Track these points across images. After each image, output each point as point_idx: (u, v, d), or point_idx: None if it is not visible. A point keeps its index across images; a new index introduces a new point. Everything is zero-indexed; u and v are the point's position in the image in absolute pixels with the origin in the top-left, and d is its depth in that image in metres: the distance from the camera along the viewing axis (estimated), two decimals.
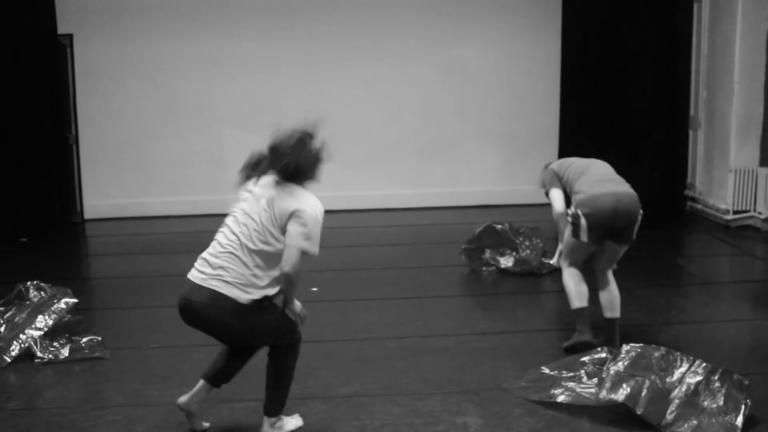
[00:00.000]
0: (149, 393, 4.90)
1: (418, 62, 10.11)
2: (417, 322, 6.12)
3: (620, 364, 4.56)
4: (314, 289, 6.92)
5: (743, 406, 4.35)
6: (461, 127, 10.13)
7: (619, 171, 9.18)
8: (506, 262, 7.40)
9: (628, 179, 9.11)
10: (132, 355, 5.54)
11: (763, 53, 8.83)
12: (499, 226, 7.51)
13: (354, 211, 10.02)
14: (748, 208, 8.88)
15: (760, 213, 8.77)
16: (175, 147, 10.05)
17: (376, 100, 10.14)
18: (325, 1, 9.97)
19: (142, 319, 6.33)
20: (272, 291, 4.16)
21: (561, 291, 7.00)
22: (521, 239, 7.45)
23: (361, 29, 10.02)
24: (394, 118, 10.17)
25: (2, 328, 5.49)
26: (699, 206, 9.67)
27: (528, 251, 7.39)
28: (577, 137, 9.85)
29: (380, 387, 4.94)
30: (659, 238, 8.75)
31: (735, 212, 8.97)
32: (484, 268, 7.45)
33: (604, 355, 4.85)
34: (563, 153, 10.10)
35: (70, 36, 9.75)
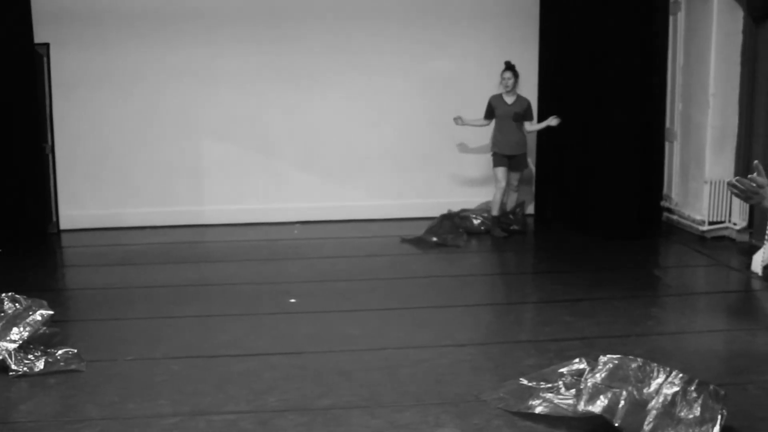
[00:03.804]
0: (126, 406, 4.86)
1: (397, 74, 10.13)
2: (396, 333, 6.11)
3: (598, 375, 4.57)
4: (292, 300, 6.92)
5: (720, 417, 4.37)
6: (440, 139, 10.15)
7: (597, 181, 9.38)
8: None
9: (605, 190, 9.28)
10: (108, 367, 5.48)
11: (737, 66, 8.92)
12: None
13: (333, 221, 10.02)
14: (723, 219, 8.95)
15: (734, 224, 8.84)
16: (153, 158, 10.00)
17: (356, 112, 10.16)
18: (305, 13, 9.97)
19: (118, 331, 6.28)
20: None
21: (539, 302, 7.10)
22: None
23: (341, 42, 10.03)
24: (373, 130, 10.19)
25: None
26: (675, 217, 9.74)
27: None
28: (554, 149, 9.93)
29: (358, 399, 4.93)
30: (636, 248, 8.81)
31: (710, 223, 9.03)
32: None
33: (582, 366, 4.87)
34: (541, 165, 10.20)
35: (47, 45, 9.69)
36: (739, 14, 8.84)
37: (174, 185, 10.04)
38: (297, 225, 9.80)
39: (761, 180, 2.89)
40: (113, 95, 9.90)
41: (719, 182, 8.88)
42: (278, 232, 9.58)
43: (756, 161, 3.13)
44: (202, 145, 10.06)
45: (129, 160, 10.02)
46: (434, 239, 8.93)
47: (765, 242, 7.57)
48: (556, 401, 4.59)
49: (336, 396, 4.97)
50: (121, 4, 9.78)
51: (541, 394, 4.71)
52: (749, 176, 2.90)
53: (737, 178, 2.92)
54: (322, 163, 10.19)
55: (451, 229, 9.16)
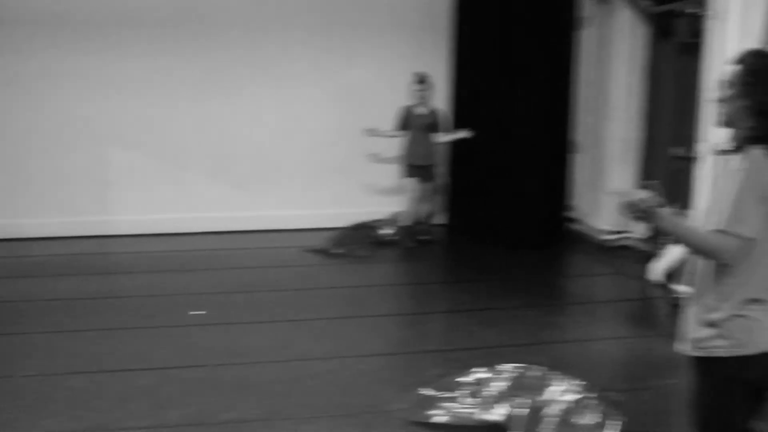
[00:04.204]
0: (21, 424, 4.72)
1: (309, 84, 10.10)
2: (300, 345, 6.07)
3: (499, 384, 4.65)
4: (198, 312, 6.82)
5: (617, 423, 4.48)
6: (351, 149, 10.14)
7: (506, 192, 9.52)
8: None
9: (513, 201, 9.43)
10: (3, 384, 5.32)
11: (641, 81, 9.17)
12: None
13: (243, 232, 9.90)
14: (625, 229, 9.17)
15: (636, 233, 9.07)
16: (54, 165, 9.71)
17: (267, 121, 10.08)
18: (216, 20, 9.86)
19: (15, 346, 6.08)
20: None
21: (445, 312, 7.16)
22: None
23: (253, 50, 9.94)
24: (285, 140, 10.13)
25: None
26: (580, 227, 9.95)
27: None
28: (465, 160, 10.03)
29: (261, 412, 4.89)
30: (542, 258, 8.96)
31: (613, 233, 9.26)
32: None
33: (484, 375, 4.94)
34: (451, 175, 10.29)
35: None
36: (643, 30, 9.10)
37: (79, 194, 9.77)
38: (207, 236, 9.68)
39: (653, 199, 2.95)
40: (10, 100, 9.56)
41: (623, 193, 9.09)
42: (186, 242, 9.43)
43: (648, 181, 3.19)
44: (108, 153, 9.82)
45: (30, 167, 9.70)
46: (339, 250, 8.93)
47: (663, 252, 7.79)
48: (457, 410, 4.65)
49: (238, 409, 4.92)
50: (29, 7, 9.50)
51: (443, 403, 4.75)
52: (641, 196, 2.96)
53: (630, 198, 2.98)
54: (232, 172, 10.08)
55: (358, 239, 9.17)
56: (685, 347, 3.19)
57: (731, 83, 3.06)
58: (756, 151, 2.96)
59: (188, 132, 9.94)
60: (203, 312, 6.79)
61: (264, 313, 6.89)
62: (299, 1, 10.02)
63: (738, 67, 3.05)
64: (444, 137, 9.51)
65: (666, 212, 2.98)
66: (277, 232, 9.98)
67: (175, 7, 9.77)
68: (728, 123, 3.10)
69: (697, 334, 3.12)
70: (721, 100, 3.10)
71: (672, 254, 7.23)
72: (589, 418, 4.49)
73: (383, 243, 9.39)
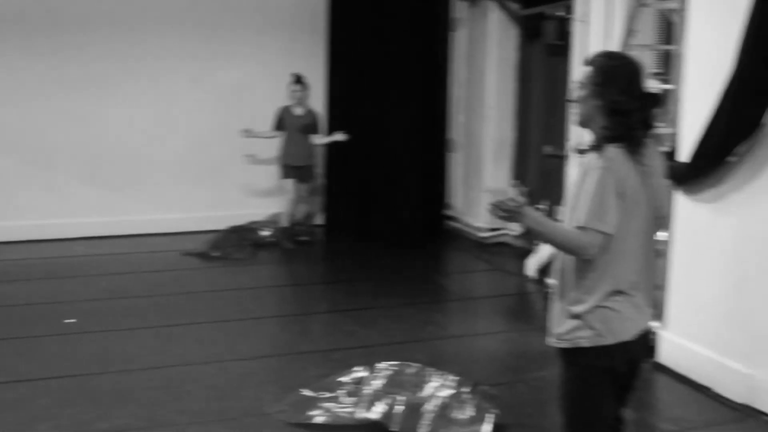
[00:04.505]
0: None
1: (184, 84, 9.92)
2: (177, 350, 5.96)
3: (376, 382, 4.69)
4: (70, 320, 6.61)
5: (491, 416, 4.58)
6: (228, 150, 10.02)
7: (384, 192, 9.61)
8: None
9: (391, 200, 9.54)
10: None
11: (512, 81, 9.42)
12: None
13: (117, 237, 9.64)
14: (501, 226, 9.37)
15: (512, 230, 9.27)
16: None
17: (140, 122, 9.83)
18: (88, 20, 9.54)
19: None
20: None
21: (325, 312, 7.18)
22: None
23: (125, 49, 9.67)
24: (159, 141, 9.91)
25: None
26: (458, 225, 10.13)
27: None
28: (343, 160, 10.07)
29: (138, 420, 4.79)
30: (419, 256, 9.08)
31: (489, 230, 9.46)
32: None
33: (362, 374, 4.97)
34: (329, 176, 10.30)
35: None
36: (514, 32, 9.33)
37: None
38: (80, 241, 9.38)
39: (520, 200, 3.04)
40: None
41: (498, 191, 9.31)
42: (59, 249, 9.12)
43: (514, 181, 3.29)
44: None
45: None
46: (217, 253, 8.83)
47: (537, 247, 8.02)
48: (336, 410, 4.66)
49: (113, 418, 4.81)
50: None
51: (321, 403, 4.77)
52: (508, 197, 3.04)
53: (498, 199, 3.06)
54: (105, 175, 9.80)
55: (236, 241, 9.08)
56: (552, 340, 3.30)
57: (583, 84, 3.19)
58: (612, 149, 3.09)
59: (59, 134, 9.60)
60: (72, 321, 6.59)
61: (141, 318, 6.74)
62: (174, 1, 9.83)
63: (589, 69, 3.18)
64: (321, 139, 9.52)
65: (531, 211, 3.08)
66: (153, 236, 9.76)
67: (45, 4, 9.42)
68: (583, 123, 3.24)
69: (563, 326, 3.24)
70: (576, 101, 3.23)
71: (545, 250, 7.46)
72: (464, 412, 4.58)
73: (262, 245, 9.33)
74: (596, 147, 3.14)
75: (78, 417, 4.83)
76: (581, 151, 3.24)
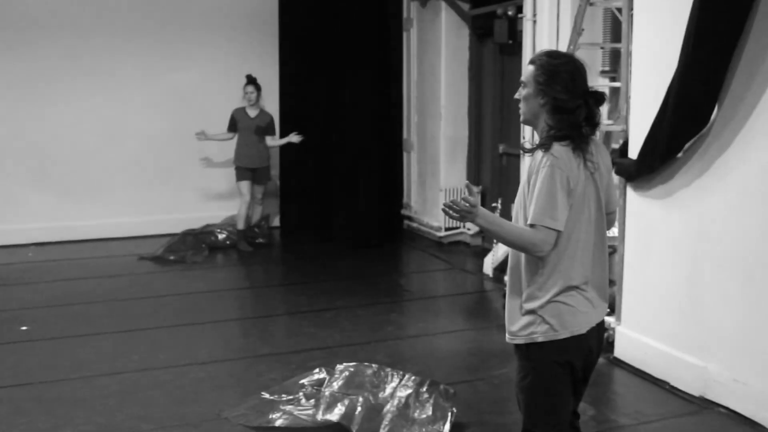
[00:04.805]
0: None
1: (136, 86, 9.82)
2: (134, 356, 5.90)
3: (335, 384, 4.69)
4: (24, 328, 6.52)
5: (450, 414, 4.61)
6: (182, 153, 9.96)
7: (340, 192, 9.62)
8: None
9: (347, 201, 9.55)
10: None
11: (465, 80, 9.47)
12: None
13: (70, 242, 9.52)
14: (458, 225, 9.43)
15: (468, 229, 9.34)
16: None
17: (92, 125, 9.71)
18: (39, 20, 9.40)
19: None
20: None
21: (284, 315, 7.15)
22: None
23: (76, 51, 9.55)
24: (112, 144, 9.80)
25: None
26: (415, 225, 10.16)
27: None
28: (298, 162, 10.06)
29: (94, 428, 4.73)
30: (378, 256, 9.10)
31: (447, 229, 9.51)
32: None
33: (321, 376, 4.97)
34: (284, 178, 10.28)
35: None
36: (465, 32, 9.39)
37: None
38: (31, 247, 9.25)
39: (473, 200, 3.07)
40: None
41: (453, 190, 9.36)
42: (8, 255, 8.98)
43: (467, 182, 3.32)
44: None
45: None
46: (173, 257, 8.76)
47: (494, 245, 8.08)
48: (296, 413, 4.65)
49: (70, 426, 4.75)
50: None
51: (281, 406, 4.75)
52: (462, 197, 3.07)
53: (451, 200, 3.08)
54: (56, 180, 9.66)
55: (192, 245, 9.01)
56: (507, 336, 3.34)
57: (526, 83, 3.24)
58: (558, 147, 3.14)
59: (7, 138, 9.45)
60: (25, 328, 6.50)
61: (96, 324, 6.66)
62: (126, 2, 9.72)
63: (532, 68, 3.23)
64: (275, 141, 9.49)
65: (483, 211, 3.11)
66: (107, 240, 9.67)
67: None
68: (527, 121, 3.29)
69: (517, 323, 3.27)
70: (520, 100, 3.28)
71: (503, 248, 7.51)
72: (423, 411, 4.59)
73: (218, 248, 9.29)
74: (542, 145, 3.18)
75: (34, 426, 4.75)
76: (527, 150, 3.28)
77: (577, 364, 3.27)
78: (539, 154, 3.17)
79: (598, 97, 3.23)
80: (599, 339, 3.39)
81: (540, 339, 3.21)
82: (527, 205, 3.17)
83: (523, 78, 3.27)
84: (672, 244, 5.35)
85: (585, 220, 3.20)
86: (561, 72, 3.17)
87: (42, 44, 9.45)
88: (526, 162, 7.28)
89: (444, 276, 8.60)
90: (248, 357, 5.94)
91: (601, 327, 3.36)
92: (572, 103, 3.15)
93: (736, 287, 4.89)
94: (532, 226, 3.11)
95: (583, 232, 3.20)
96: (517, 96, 3.31)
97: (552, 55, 3.29)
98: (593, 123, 3.23)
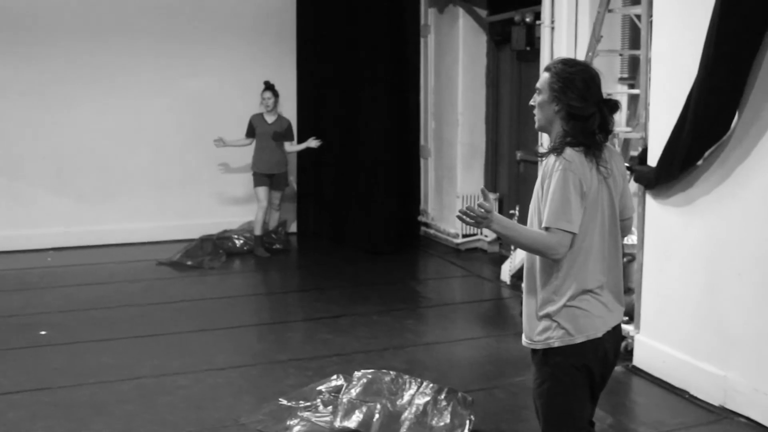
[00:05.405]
0: None
1: (154, 92, 9.86)
2: (153, 361, 5.92)
3: (353, 391, 4.68)
4: (42, 332, 6.55)
5: (468, 422, 4.60)
6: (200, 158, 9.99)
7: (357, 199, 9.62)
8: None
9: (365, 207, 9.55)
10: None
11: (483, 87, 9.46)
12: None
13: (88, 247, 9.57)
14: (475, 232, 9.41)
15: (486, 236, 9.33)
16: None
17: (110, 131, 9.76)
18: (55, 26, 9.46)
19: None
20: None
21: (301, 321, 7.16)
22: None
23: (94, 58, 9.60)
24: (130, 150, 9.85)
25: None
26: (432, 231, 10.15)
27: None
28: (315, 168, 10.08)
29: None
30: (394, 263, 9.09)
31: (464, 236, 9.49)
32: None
33: (339, 382, 4.97)
34: (302, 183, 10.30)
35: None
36: (483, 38, 9.38)
37: None
38: (50, 252, 9.29)
39: (488, 205, 3.08)
40: None
41: (470, 197, 9.35)
42: (28, 260, 9.03)
43: (482, 187, 3.33)
44: None
45: None
46: (191, 262, 8.78)
47: (512, 252, 8.06)
48: (313, 419, 4.65)
49: (88, 431, 4.75)
50: None
51: (299, 413, 4.75)
52: (477, 203, 3.08)
53: (466, 206, 3.11)
54: (74, 185, 9.71)
55: (209, 250, 9.04)
56: (524, 341, 3.34)
57: (541, 90, 3.25)
58: (571, 151, 3.15)
59: (24, 142, 9.50)
60: (44, 332, 6.53)
61: (115, 329, 6.69)
62: (144, 8, 9.77)
63: (547, 75, 3.24)
64: (293, 147, 9.51)
65: (498, 217, 3.12)
66: (126, 245, 9.71)
67: (10, 10, 9.33)
68: (542, 128, 3.31)
69: (534, 327, 3.28)
70: (535, 106, 3.30)
71: (520, 255, 7.49)
72: (441, 419, 4.58)
73: (236, 253, 9.31)
74: (555, 149, 3.19)
75: (51, 430, 4.77)
76: (540, 155, 3.30)
77: (595, 368, 3.27)
78: (552, 158, 3.19)
79: (612, 105, 3.25)
80: (616, 343, 3.38)
81: (556, 344, 3.22)
82: (541, 209, 3.19)
83: (538, 85, 3.30)
84: (691, 252, 5.32)
85: (598, 224, 3.22)
86: (576, 80, 3.19)
87: (61, 50, 9.50)
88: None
89: (461, 283, 8.58)
90: (265, 363, 5.95)
91: (617, 331, 3.36)
92: (586, 110, 3.18)
93: (756, 295, 4.86)
94: (547, 229, 3.13)
95: (596, 236, 3.22)
96: (532, 102, 3.33)
97: (567, 63, 3.30)
98: (607, 130, 3.26)
